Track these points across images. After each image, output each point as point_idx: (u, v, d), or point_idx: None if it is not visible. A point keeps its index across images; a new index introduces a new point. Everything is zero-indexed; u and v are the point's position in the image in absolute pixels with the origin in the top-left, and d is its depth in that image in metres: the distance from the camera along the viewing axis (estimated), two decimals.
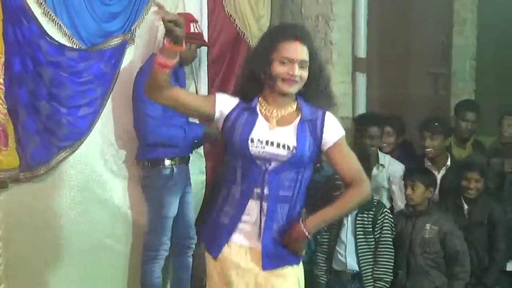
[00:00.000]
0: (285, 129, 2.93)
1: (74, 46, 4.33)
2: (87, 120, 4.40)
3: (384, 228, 4.71)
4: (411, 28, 5.87)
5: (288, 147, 2.89)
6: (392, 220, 4.75)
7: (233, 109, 2.96)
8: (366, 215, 4.73)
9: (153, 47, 4.68)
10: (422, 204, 4.69)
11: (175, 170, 4.51)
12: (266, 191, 2.89)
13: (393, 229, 4.73)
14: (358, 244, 4.71)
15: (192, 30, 4.56)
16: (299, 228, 2.89)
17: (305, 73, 2.91)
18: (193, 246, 4.78)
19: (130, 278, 4.82)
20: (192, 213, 4.82)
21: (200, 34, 4.68)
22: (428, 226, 4.66)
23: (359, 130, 5.15)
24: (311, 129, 2.94)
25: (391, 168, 5.15)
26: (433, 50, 5.87)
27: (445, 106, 5.78)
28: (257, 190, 2.90)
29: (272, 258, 2.94)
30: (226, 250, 2.97)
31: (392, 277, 4.66)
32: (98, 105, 4.46)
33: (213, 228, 3.03)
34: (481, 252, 4.78)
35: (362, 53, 5.85)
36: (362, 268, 4.68)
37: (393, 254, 4.70)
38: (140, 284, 4.60)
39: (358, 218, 4.72)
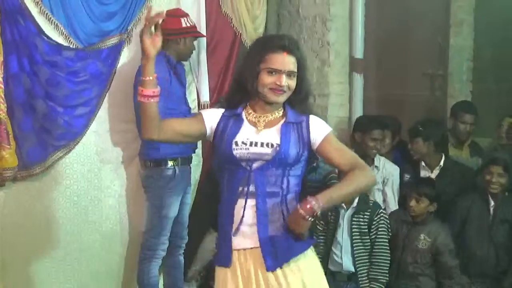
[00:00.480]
0: (270, 130, 2.97)
1: (71, 46, 4.33)
2: (83, 119, 4.40)
3: (380, 229, 4.71)
4: (408, 29, 5.87)
5: (272, 145, 2.92)
6: (388, 221, 4.76)
7: (220, 120, 3.00)
8: (362, 216, 4.73)
9: None
10: (422, 215, 4.70)
11: (177, 171, 4.50)
12: (252, 188, 2.90)
13: (389, 230, 4.74)
14: (354, 245, 4.72)
15: (183, 25, 4.56)
16: (297, 208, 2.85)
17: (292, 83, 2.95)
18: (184, 245, 4.79)
19: (125, 278, 4.83)
20: (188, 214, 4.81)
21: (192, 27, 4.65)
22: (422, 236, 4.66)
23: (362, 132, 5.16)
24: (297, 131, 2.97)
25: (385, 170, 5.16)
26: (430, 51, 5.87)
27: (442, 107, 5.78)
28: (243, 189, 2.91)
29: (275, 256, 2.90)
30: (234, 257, 2.95)
31: (387, 278, 4.67)
32: (94, 105, 4.46)
33: (219, 240, 3.04)
34: (501, 253, 4.73)
35: (359, 53, 5.85)
36: (357, 269, 4.69)
37: (389, 255, 4.71)
38: (137, 283, 4.60)
39: (354, 219, 4.72)
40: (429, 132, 5.09)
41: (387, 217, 4.80)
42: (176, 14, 4.63)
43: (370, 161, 5.12)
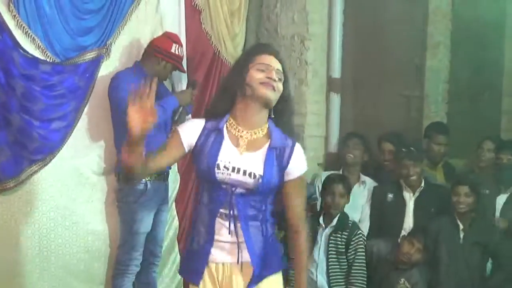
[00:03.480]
0: (253, 155, 2.91)
1: (48, 59, 4.29)
2: (59, 133, 4.35)
3: (358, 250, 4.72)
4: (385, 50, 5.90)
5: (255, 176, 2.87)
6: (365, 243, 4.77)
7: (200, 135, 2.94)
8: (339, 235, 4.74)
9: (129, 60, 4.68)
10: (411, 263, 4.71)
11: (149, 185, 4.46)
12: (235, 212, 2.89)
13: (366, 250, 4.75)
14: (330, 264, 4.73)
15: (172, 50, 4.57)
16: None
17: (281, 86, 2.92)
18: (158, 263, 4.77)
19: None
20: (164, 232, 4.79)
21: (178, 57, 4.65)
22: (402, 280, 4.67)
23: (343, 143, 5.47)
24: (279, 157, 2.92)
25: (369, 186, 5.25)
26: (406, 73, 5.90)
27: (418, 128, 5.81)
28: (224, 211, 2.90)
29: (260, 270, 2.95)
30: (206, 272, 2.95)
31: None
32: (71, 119, 4.42)
33: (189, 256, 3.04)
34: (476, 276, 4.76)
35: (336, 73, 5.91)
36: None
37: (365, 276, 4.71)
38: None
39: (331, 238, 4.73)
40: (423, 153, 5.17)
41: (365, 238, 4.82)
42: (171, 37, 4.65)
43: (356, 175, 5.35)
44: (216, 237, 2.92)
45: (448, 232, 4.81)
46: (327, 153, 5.94)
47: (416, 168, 5.06)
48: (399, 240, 4.94)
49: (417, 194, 5.12)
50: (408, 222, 5.09)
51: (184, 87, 5.03)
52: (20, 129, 4.16)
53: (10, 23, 4.12)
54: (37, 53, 4.24)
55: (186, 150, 2.95)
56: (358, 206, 5.24)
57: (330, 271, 4.73)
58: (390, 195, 5.22)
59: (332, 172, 5.42)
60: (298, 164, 2.96)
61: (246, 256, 2.93)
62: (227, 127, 2.94)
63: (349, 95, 6.02)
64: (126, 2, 4.69)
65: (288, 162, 2.92)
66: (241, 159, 2.89)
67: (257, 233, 2.93)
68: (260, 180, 2.87)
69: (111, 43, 4.63)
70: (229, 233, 2.90)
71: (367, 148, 5.52)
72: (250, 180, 2.87)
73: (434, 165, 5.51)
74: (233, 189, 2.88)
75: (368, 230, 5.18)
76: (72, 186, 4.52)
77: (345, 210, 4.89)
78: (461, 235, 4.79)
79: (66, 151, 4.43)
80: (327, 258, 4.75)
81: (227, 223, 2.89)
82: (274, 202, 3.02)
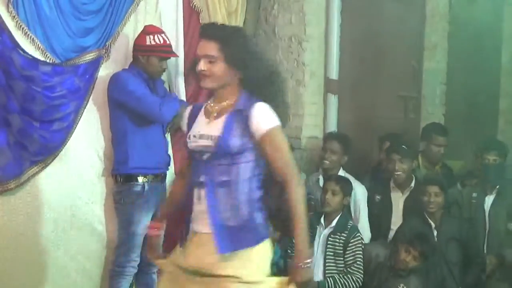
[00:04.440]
0: (217, 121, 3.04)
1: (48, 60, 4.28)
2: (60, 134, 4.35)
3: (356, 253, 4.74)
4: (383, 52, 5.91)
5: (214, 138, 2.99)
6: (363, 245, 4.78)
7: (188, 117, 3.18)
8: (338, 237, 4.75)
9: (128, 61, 4.67)
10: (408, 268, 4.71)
11: (146, 187, 4.47)
12: (202, 178, 3.01)
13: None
14: (327, 265, 4.73)
15: (147, 43, 4.51)
16: (294, 272, 2.98)
17: (215, 68, 3.00)
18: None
19: None
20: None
21: (155, 46, 4.53)
22: (401, 285, 4.67)
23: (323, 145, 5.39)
24: (241, 118, 2.99)
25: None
26: (403, 74, 5.91)
27: (415, 130, 5.82)
28: (198, 179, 3.03)
29: (226, 241, 2.96)
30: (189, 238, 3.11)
31: None
32: (71, 120, 4.42)
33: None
34: (455, 271, 4.79)
35: (334, 74, 5.91)
36: None
37: (361, 279, 4.73)
38: None
39: (330, 238, 4.74)
40: (415, 152, 5.18)
41: (363, 241, 4.83)
42: (144, 30, 4.60)
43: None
44: (194, 207, 3.07)
45: (419, 232, 4.81)
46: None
47: (403, 164, 5.07)
48: (388, 241, 5.01)
49: (406, 193, 5.14)
50: (398, 223, 5.10)
51: (180, 86, 5.03)
52: (20, 130, 4.17)
53: (10, 24, 4.12)
54: (37, 54, 4.24)
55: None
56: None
57: (326, 271, 4.74)
58: (378, 196, 5.25)
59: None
60: (262, 119, 2.98)
61: None
62: (206, 105, 3.12)
63: (347, 96, 6.02)
64: (125, 3, 4.70)
65: (250, 121, 2.98)
66: (207, 127, 3.04)
67: (226, 202, 2.98)
68: (217, 141, 2.97)
69: (110, 44, 4.63)
70: (198, 200, 3.03)
71: (347, 149, 5.38)
72: (210, 143, 2.99)
73: (432, 167, 5.52)
74: (203, 156, 3.02)
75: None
76: (72, 187, 4.52)
77: None
78: (435, 233, 4.81)
79: (66, 152, 4.43)
80: (324, 258, 4.75)
81: (198, 191, 3.04)
82: (255, 168, 3.05)
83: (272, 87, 3.08)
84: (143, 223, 4.49)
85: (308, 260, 2.98)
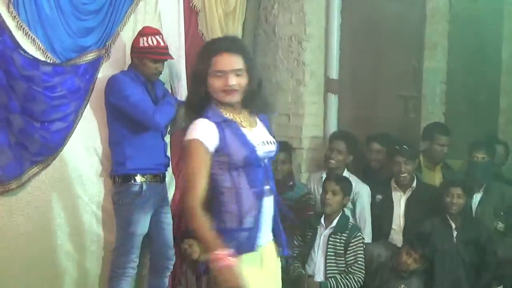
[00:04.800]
0: (257, 129, 3.09)
1: (48, 60, 4.28)
2: (60, 134, 4.35)
3: (358, 252, 4.74)
4: (383, 51, 5.91)
5: (273, 143, 3.09)
6: (364, 245, 4.79)
7: (218, 132, 2.97)
8: (339, 237, 4.75)
9: (129, 61, 4.66)
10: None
11: (144, 187, 4.46)
12: (268, 185, 3.05)
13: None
14: (328, 265, 4.73)
15: (141, 45, 4.48)
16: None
17: (243, 80, 3.01)
18: (171, 266, 4.73)
19: None
20: (171, 234, 4.74)
21: (148, 48, 4.47)
22: (402, 286, 4.69)
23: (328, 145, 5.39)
24: (266, 126, 3.18)
25: (355, 187, 5.19)
26: (404, 73, 5.90)
27: (415, 129, 5.82)
28: (267, 187, 3.04)
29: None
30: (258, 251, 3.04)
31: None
32: (72, 120, 4.42)
33: (239, 235, 3.01)
34: (471, 274, 4.78)
35: (334, 74, 5.90)
36: None
37: (362, 278, 4.73)
38: None
39: (330, 239, 4.74)
40: (417, 152, 5.19)
41: (364, 240, 4.83)
42: (140, 32, 4.57)
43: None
44: (262, 216, 3.02)
45: (441, 232, 4.83)
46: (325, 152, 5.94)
47: (408, 166, 5.07)
48: (388, 241, 5.02)
49: (408, 193, 5.14)
50: (399, 223, 5.12)
51: (183, 84, 5.01)
52: (21, 130, 4.16)
53: (11, 24, 4.11)
54: (37, 54, 4.23)
55: (213, 151, 2.98)
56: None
57: (327, 271, 4.73)
58: (379, 196, 5.25)
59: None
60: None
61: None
62: (231, 118, 3.05)
63: (347, 95, 6.02)
64: (125, 3, 4.70)
65: (268, 127, 3.19)
66: (255, 135, 3.05)
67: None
68: (276, 144, 3.10)
69: (110, 44, 4.63)
70: (265, 209, 3.02)
71: (352, 149, 5.41)
72: (273, 148, 3.08)
73: (433, 166, 5.52)
74: (265, 162, 3.05)
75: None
76: (72, 188, 4.52)
77: None
78: (454, 234, 4.81)
79: (66, 152, 4.43)
80: (325, 259, 4.75)
81: (269, 199, 3.04)
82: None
83: (261, 93, 3.16)
84: (142, 224, 4.48)
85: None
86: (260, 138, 3.05)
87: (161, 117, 4.42)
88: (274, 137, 3.16)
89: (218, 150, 2.96)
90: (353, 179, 5.22)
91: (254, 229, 2.98)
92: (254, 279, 2.94)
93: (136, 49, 4.50)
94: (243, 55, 3.01)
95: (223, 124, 2.99)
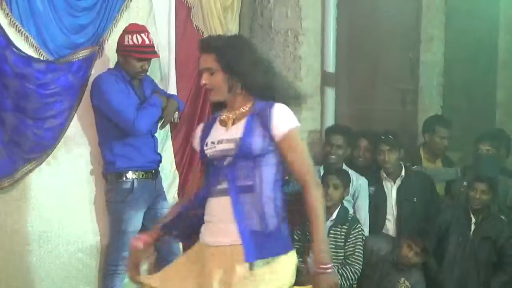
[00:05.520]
0: (236, 126, 2.98)
1: (41, 58, 4.27)
2: (53, 132, 4.34)
3: (357, 244, 4.75)
4: (380, 44, 5.91)
5: (235, 140, 2.91)
6: (364, 237, 4.79)
7: (201, 133, 3.09)
8: (339, 229, 4.77)
9: None
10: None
11: (135, 184, 4.44)
12: (225, 185, 2.91)
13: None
14: None
15: (126, 43, 4.43)
16: (317, 278, 2.84)
17: (214, 79, 2.97)
18: None
19: None
20: None
21: (133, 46, 4.41)
22: (402, 279, 4.68)
23: (325, 138, 5.36)
24: (261, 120, 2.91)
25: (356, 182, 5.19)
26: (401, 66, 5.91)
27: (412, 122, 5.83)
28: (220, 187, 2.92)
29: (254, 248, 2.84)
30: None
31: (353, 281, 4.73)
32: (65, 117, 4.40)
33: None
34: (482, 270, 4.76)
35: (331, 67, 5.88)
36: None
37: (360, 270, 4.75)
38: None
39: (331, 231, 4.75)
40: (401, 141, 5.18)
41: (364, 232, 4.83)
42: (125, 30, 4.51)
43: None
44: (208, 217, 2.97)
45: (460, 223, 4.85)
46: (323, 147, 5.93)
47: (391, 154, 5.08)
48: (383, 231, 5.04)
49: (398, 182, 5.16)
50: (393, 212, 5.14)
51: (171, 82, 4.99)
52: (14, 127, 4.16)
53: (3, 21, 4.10)
54: (30, 51, 4.22)
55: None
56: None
57: None
58: (372, 188, 5.24)
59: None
60: (281, 120, 2.90)
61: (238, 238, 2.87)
62: (221, 117, 3.04)
63: (344, 89, 6.01)
64: (118, 0, 4.67)
65: (270, 121, 2.89)
66: (226, 133, 2.98)
67: (251, 207, 2.88)
68: (239, 142, 2.89)
69: (103, 41, 4.61)
70: (219, 210, 2.92)
71: (350, 142, 5.37)
72: (231, 146, 2.90)
73: (434, 159, 5.52)
74: (222, 162, 2.93)
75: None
76: (65, 185, 4.50)
77: None
78: (472, 228, 4.81)
79: (59, 150, 4.42)
80: None
81: (219, 200, 2.92)
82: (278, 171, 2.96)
83: (275, 90, 3.01)
84: (134, 221, 4.47)
85: (329, 265, 2.85)
86: (219, 137, 2.97)
87: (143, 123, 4.40)
88: (269, 133, 2.90)
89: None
90: (352, 173, 5.21)
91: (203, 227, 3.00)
92: (180, 272, 2.99)
93: (121, 47, 4.46)
94: (216, 53, 2.97)
95: (210, 123, 3.10)
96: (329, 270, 2.84)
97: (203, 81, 3.00)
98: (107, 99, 4.33)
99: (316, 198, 2.92)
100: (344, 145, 5.30)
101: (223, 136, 2.97)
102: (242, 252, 2.83)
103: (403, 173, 5.15)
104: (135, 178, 4.45)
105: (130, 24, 4.57)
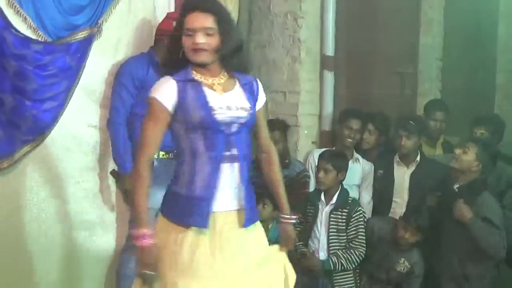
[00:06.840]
0: (232, 93, 3.04)
1: (40, 39, 4.24)
2: (51, 113, 4.32)
3: (359, 227, 4.76)
4: (378, 27, 5.90)
5: (246, 109, 3.02)
6: (365, 219, 4.80)
7: (177, 91, 2.97)
8: (340, 213, 4.77)
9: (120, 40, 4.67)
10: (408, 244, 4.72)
11: (155, 163, 4.42)
12: (235, 151, 2.99)
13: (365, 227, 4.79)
14: (330, 241, 4.74)
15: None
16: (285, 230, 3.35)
17: (213, 40, 2.96)
18: None
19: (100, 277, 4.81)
20: None
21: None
22: (402, 260, 4.69)
23: (341, 122, 5.35)
24: (250, 91, 3.11)
25: (363, 168, 5.23)
26: (400, 50, 5.90)
27: (411, 105, 5.83)
28: (228, 153, 2.98)
29: (251, 215, 3.10)
30: (211, 219, 2.98)
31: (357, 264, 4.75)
32: (63, 99, 4.38)
33: (188, 201, 2.99)
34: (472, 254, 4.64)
35: (330, 51, 5.87)
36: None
37: (363, 253, 4.77)
38: (116, 272, 4.62)
39: (332, 215, 4.75)
40: (422, 128, 5.19)
41: (365, 214, 4.84)
42: (171, 17, 4.58)
43: (350, 153, 5.21)
44: (220, 184, 2.98)
45: (415, 207, 4.83)
46: (321, 131, 5.93)
47: (409, 140, 5.05)
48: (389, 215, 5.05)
49: (412, 168, 5.13)
50: (404, 196, 5.12)
51: None
52: (12, 109, 4.13)
53: (1, 2, 4.06)
54: (28, 33, 4.18)
55: (171, 111, 2.98)
56: (355, 181, 5.23)
57: (330, 247, 4.74)
58: (380, 171, 5.25)
59: (325, 149, 5.39)
60: (262, 94, 3.20)
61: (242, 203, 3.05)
62: (200, 80, 3.02)
63: (343, 72, 6.01)
64: None
65: (258, 94, 3.15)
66: (225, 99, 3.00)
67: (247, 175, 3.08)
68: (251, 111, 3.04)
69: (102, 22, 4.59)
70: (233, 176, 3.00)
71: (365, 127, 5.40)
72: (244, 113, 3.02)
73: (433, 143, 5.51)
74: (231, 128, 2.98)
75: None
76: (64, 167, 4.50)
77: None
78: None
79: (57, 131, 4.40)
80: (328, 236, 4.76)
81: (230, 166, 2.99)
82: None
83: (243, 56, 3.13)
84: (156, 198, 4.46)
85: (293, 216, 3.36)
86: (227, 103, 2.98)
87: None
88: (254, 105, 3.09)
89: (176, 109, 2.96)
90: (359, 158, 5.30)
91: (207, 199, 2.95)
92: (201, 249, 2.95)
93: (168, 31, 4.43)
94: (215, 14, 2.97)
95: (187, 84, 2.98)
96: (293, 221, 3.38)
97: (201, 40, 2.93)
98: (113, 90, 4.47)
99: (278, 163, 3.33)
100: (361, 129, 5.32)
101: (228, 102, 2.99)
102: (243, 217, 3.04)
103: (418, 158, 5.13)
104: (155, 157, 4.42)
105: (173, 12, 4.72)
